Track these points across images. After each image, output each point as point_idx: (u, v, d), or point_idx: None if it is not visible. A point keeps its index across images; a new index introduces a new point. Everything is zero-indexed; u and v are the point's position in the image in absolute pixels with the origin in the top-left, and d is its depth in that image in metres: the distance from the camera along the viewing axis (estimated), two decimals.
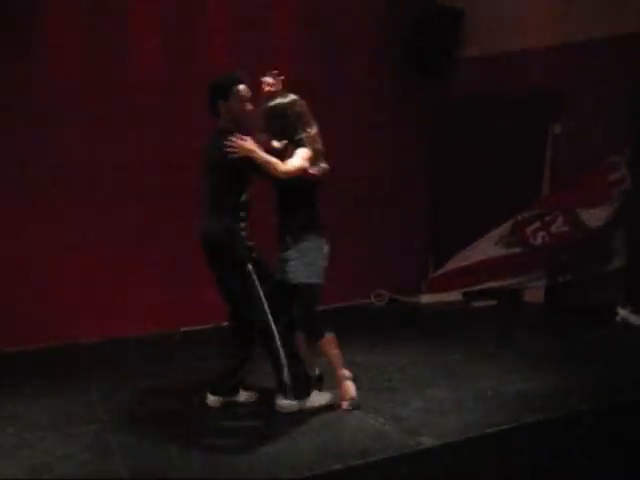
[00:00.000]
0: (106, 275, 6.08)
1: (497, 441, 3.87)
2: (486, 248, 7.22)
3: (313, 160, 4.14)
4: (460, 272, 7.27)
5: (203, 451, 3.77)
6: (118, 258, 6.08)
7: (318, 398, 4.32)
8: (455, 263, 7.34)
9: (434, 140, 7.55)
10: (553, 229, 7.00)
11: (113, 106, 6.00)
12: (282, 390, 4.26)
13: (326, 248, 4.28)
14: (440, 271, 7.42)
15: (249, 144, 3.97)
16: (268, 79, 4.30)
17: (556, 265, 7.04)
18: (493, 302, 7.11)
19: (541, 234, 7.06)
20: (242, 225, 4.20)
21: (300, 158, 4.07)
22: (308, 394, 4.30)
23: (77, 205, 5.97)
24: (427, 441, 3.77)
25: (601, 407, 4.27)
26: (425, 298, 7.25)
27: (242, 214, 4.20)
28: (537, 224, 7.05)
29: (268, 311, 4.14)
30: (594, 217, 6.77)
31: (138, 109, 6.09)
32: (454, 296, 7.27)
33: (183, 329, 6.33)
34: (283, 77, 4.33)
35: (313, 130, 4.21)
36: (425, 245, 7.65)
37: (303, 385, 4.29)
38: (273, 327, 4.16)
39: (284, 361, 4.19)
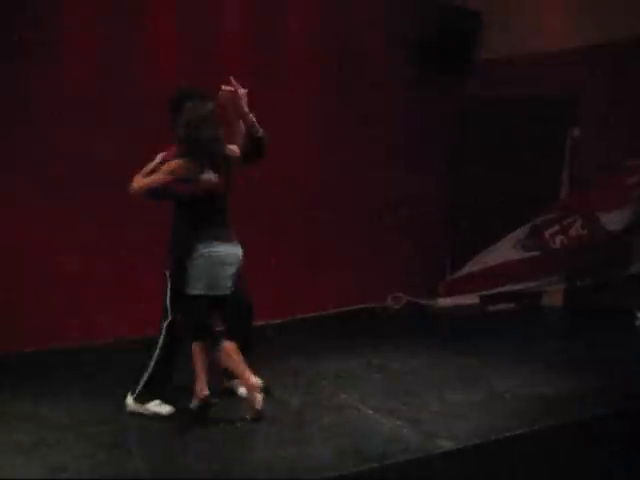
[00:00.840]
0: (124, 275, 6.10)
1: (515, 444, 3.85)
2: (504, 251, 7.18)
3: (181, 172, 4.08)
4: (478, 275, 7.24)
5: (221, 452, 3.78)
6: (134, 258, 6.10)
7: (155, 407, 4.31)
8: (473, 266, 7.30)
9: (452, 143, 7.53)
10: (572, 232, 6.96)
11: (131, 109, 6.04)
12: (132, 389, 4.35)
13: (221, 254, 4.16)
14: (457, 274, 7.39)
15: None
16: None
17: (575, 268, 7.00)
18: (511, 305, 7.07)
19: (560, 237, 7.02)
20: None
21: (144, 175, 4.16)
22: (150, 400, 4.32)
23: (103, 204, 6.00)
24: (445, 444, 3.76)
25: (619, 411, 4.25)
26: (442, 301, 7.22)
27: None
28: (556, 227, 7.02)
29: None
30: (613, 220, 6.73)
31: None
32: (471, 299, 7.23)
33: None
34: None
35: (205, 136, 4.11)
36: (442, 248, 7.62)
37: (151, 392, 4.33)
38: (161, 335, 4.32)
39: (151, 365, 4.32)
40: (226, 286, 4.16)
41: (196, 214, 4.19)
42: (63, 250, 5.94)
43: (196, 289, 4.14)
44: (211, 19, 6.35)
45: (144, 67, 6.10)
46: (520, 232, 7.14)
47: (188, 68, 6.11)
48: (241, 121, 4.31)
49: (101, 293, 6.05)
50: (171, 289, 4.33)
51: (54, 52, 5.81)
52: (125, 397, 4.37)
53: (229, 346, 4.19)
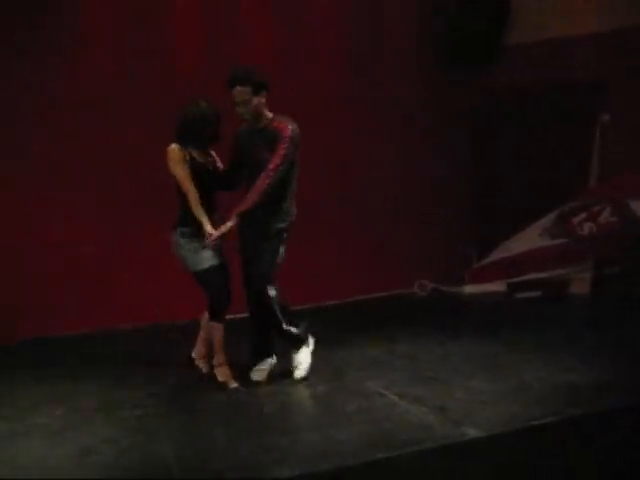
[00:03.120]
0: (154, 261, 6.14)
1: (541, 433, 3.81)
2: (531, 239, 7.11)
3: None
4: (504, 263, 7.18)
5: (246, 437, 3.80)
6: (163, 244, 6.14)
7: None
8: (499, 253, 7.25)
9: (478, 130, 7.45)
10: (601, 219, 6.87)
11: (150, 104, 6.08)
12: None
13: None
14: (484, 261, 7.35)
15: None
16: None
17: (603, 256, 6.91)
18: (538, 293, 7.00)
19: (588, 224, 6.93)
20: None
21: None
22: None
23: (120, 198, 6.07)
24: (471, 432, 3.74)
25: None
26: (469, 288, 7.19)
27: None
28: (584, 214, 6.93)
29: None
30: None
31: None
32: (498, 287, 7.18)
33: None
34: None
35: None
36: (469, 235, 7.57)
37: None
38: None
39: None
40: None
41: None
42: (91, 237, 6.03)
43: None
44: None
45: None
46: (547, 219, 7.06)
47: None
48: None
49: (132, 279, 6.13)
50: None
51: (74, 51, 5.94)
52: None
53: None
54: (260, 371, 4.69)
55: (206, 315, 4.65)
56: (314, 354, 4.81)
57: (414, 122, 7.09)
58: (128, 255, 6.15)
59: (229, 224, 4.36)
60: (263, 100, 4.41)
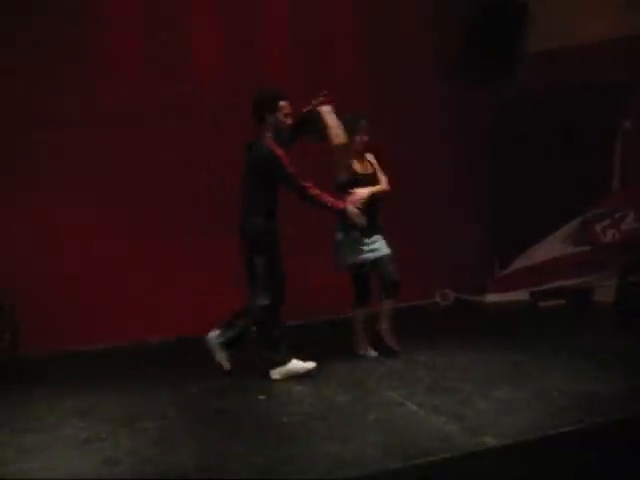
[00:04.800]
0: (174, 274, 6.23)
1: (562, 442, 3.80)
2: (553, 246, 7.10)
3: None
4: (527, 271, 7.17)
5: (266, 448, 3.83)
6: (187, 257, 6.24)
7: (301, 365, 5.00)
8: (521, 262, 7.24)
9: (498, 138, 7.44)
10: (624, 226, 6.85)
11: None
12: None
13: None
14: (506, 270, 7.33)
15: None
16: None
17: (627, 264, 6.86)
18: (561, 302, 6.97)
19: (611, 231, 6.91)
20: (272, 220, 4.93)
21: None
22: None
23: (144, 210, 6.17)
24: (490, 441, 3.74)
25: None
26: (491, 297, 7.18)
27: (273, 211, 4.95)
28: (607, 221, 6.91)
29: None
30: None
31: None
32: (521, 295, 7.17)
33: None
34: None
35: None
36: (491, 244, 7.54)
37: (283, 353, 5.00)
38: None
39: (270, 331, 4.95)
40: None
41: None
42: (123, 255, 6.12)
43: None
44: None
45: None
46: (570, 227, 7.06)
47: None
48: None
49: (151, 291, 6.22)
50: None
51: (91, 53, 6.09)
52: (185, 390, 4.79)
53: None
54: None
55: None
56: (336, 363, 4.91)
57: (432, 134, 7.10)
58: (144, 269, 6.23)
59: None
60: None
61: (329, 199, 4.91)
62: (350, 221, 5.01)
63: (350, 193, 5.15)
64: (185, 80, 6.33)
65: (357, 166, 5.34)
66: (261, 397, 4.61)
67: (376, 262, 5.34)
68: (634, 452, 3.88)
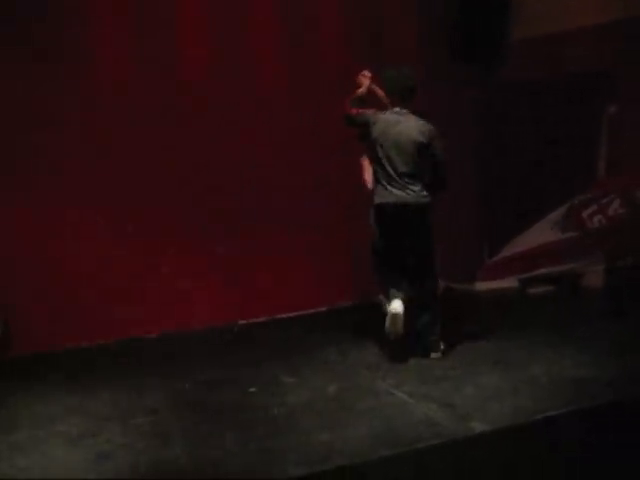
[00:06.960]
0: (167, 271, 6.24)
1: (549, 427, 3.86)
2: (541, 233, 7.11)
3: None
4: (515, 258, 7.17)
5: (258, 439, 3.87)
6: (179, 255, 6.25)
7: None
8: (510, 249, 7.23)
9: (484, 124, 7.44)
10: (610, 212, 6.89)
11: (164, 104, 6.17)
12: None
13: None
14: (495, 258, 7.34)
15: None
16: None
17: (615, 248, 6.91)
18: (550, 288, 7.01)
19: (598, 217, 6.95)
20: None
21: None
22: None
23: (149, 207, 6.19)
24: (478, 427, 3.79)
25: None
26: (480, 285, 7.19)
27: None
28: (593, 207, 6.95)
29: None
30: None
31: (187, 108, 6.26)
32: (510, 283, 7.18)
33: (240, 322, 6.44)
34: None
35: None
36: (479, 232, 7.57)
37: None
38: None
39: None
40: None
41: None
42: (122, 246, 6.11)
43: None
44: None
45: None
46: (557, 213, 7.06)
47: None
48: None
49: (145, 288, 6.23)
50: None
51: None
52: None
53: None
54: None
55: None
56: (326, 355, 4.99)
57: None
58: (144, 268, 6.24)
59: None
60: None
61: None
62: None
63: None
64: (185, 80, 6.30)
65: None
66: (252, 389, 4.64)
67: None
68: (621, 436, 3.93)
